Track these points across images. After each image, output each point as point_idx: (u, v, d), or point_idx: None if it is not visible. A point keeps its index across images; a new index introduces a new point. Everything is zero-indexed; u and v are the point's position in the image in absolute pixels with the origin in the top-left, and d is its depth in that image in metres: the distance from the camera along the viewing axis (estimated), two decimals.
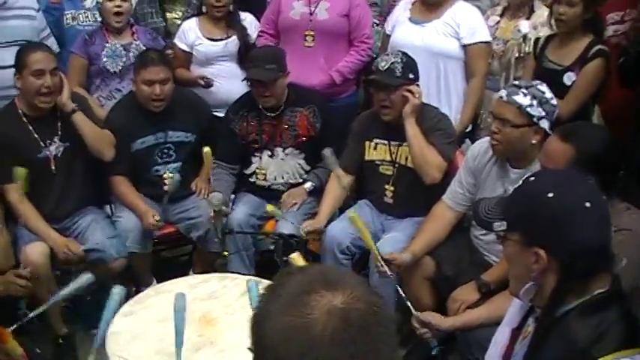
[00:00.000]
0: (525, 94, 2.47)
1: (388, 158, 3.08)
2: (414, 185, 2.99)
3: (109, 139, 3.13)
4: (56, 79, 2.95)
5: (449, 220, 2.83)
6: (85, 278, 2.36)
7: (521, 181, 1.53)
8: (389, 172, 3.09)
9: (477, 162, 2.73)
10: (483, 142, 2.76)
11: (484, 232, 2.64)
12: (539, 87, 2.51)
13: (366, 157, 3.13)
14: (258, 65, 3.19)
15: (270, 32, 3.73)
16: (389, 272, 2.61)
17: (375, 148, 3.11)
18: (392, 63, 2.94)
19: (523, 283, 1.46)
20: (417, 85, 2.98)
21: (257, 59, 3.26)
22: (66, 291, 2.38)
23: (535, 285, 1.45)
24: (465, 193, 2.78)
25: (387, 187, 3.09)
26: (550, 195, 1.41)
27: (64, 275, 3.02)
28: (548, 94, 2.50)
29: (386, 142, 3.08)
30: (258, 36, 3.76)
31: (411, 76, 2.96)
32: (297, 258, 2.45)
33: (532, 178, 1.50)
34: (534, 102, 2.45)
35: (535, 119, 2.46)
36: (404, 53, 3.00)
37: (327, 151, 3.05)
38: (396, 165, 3.06)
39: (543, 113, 2.46)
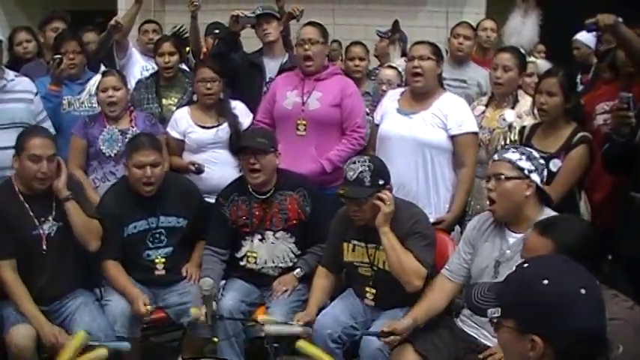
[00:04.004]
0: (514, 152, 2.70)
1: (366, 260, 3.03)
2: (394, 287, 2.91)
3: (97, 231, 3.13)
4: (53, 165, 2.98)
5: (449, 291, 2.83)
6: None
7: (514, 268, 1.54)
8: (368, 274, 3.05)
9: (476, 231, 2.79)
10: (482, 215, 2.86)
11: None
12: (527, 148, 2.78)
13: (345, 259, 3.10)
14: (250, 138, 3.30)
15: (265, 121, 3.81)
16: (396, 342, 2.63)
17: (352, 250, 3.07)
18: (360, 172, 2.88)
19: None
20: (389, 189, 2.94)
21: (249, 134, 3.46)
22: None
23: None
24: (461, 263, 2.81)
25: (367, 289, 3.04)
26: (545, 282, 1.42)
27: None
28: (536, 153, 2.73)
29: (363, 244, 3.03)
30: (254, 125, 3.83)
31: (381, 182, 2.89)
32: (304, 345, 2.46)
33: (526, 265, 1.52)
34: (523, 157, 2.66)
35: (526, 172, 2.63)
36: (371, 159, 2.97)
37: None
38: (375, 268, 3.01)
39: (533, 167, 2.64)
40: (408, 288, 2.85)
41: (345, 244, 3.08)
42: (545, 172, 2.76)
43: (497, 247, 2.70)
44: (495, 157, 2.76)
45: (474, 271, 2.76)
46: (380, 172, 2.92)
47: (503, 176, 2.64)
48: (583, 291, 1.41)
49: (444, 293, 2.83)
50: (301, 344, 2.66)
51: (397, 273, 2.86)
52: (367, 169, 2.89)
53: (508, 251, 2.65)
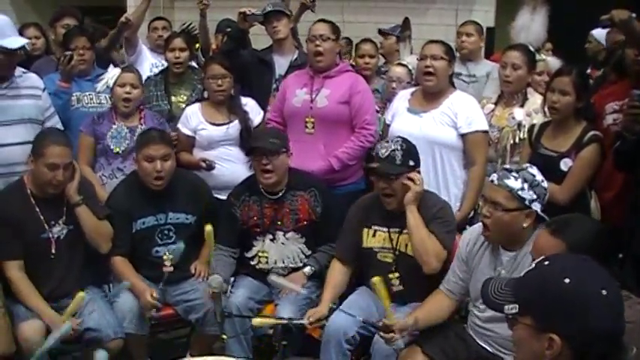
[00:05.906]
0: (516, 178, 2.51)
1: (388, 245, 3.04)
2: (415, 270, 2.94)
3: (108, 233, 3.15)
4: (68, 172, 2.99)
5: (447, 306, 2.82)
6: (65, 329, 2.61)
7: (534, 264, 1.52)
8: (388, 260, 3.05)
9: (469, 249, 2.74)
10: (475, 229, 2.78)
11: (486, 318, 2.64)
12: (530, 170, 2.57)
13: (364, 245, 3.10)
14: (262, 138, 3.29)
15: (277, 120, 3.80)
16: (396, 340, 2.60)
17: (373, 235, 3.08)
18: (392, 150, 2.94)
19: None
20: (418, 171, 2.99)
21: (261, 134, 3.46)
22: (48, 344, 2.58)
23: None
24: (457, 281, 2.78)
25: (391, 275, 3.03)
26: (567, 280, 1.40)
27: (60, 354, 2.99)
28: (539, 177, 2.55)
29: (385, 229, 3.05)
30: (266, 124, 3.83)
31: (412, 163, 2.96)
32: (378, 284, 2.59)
33: (547, 262, 1.50)
34: (525, 185, 2.50)
35: (527, 202, 2.49)
36: (404, 140, 3.01)
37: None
38: (397, 252, 3.03)
39: (535, 196, 2.50)
40: (426, 268, 2.88)
41: (365, 230, 3.09)
42: (547, 196, 2.59)
43: (492, 267, 2.64)
44: (494, 179, 2.55)
45: (472, 292, 2.72)
46: (411, 153, 2.98)
47: (501, 207, 2.50)
48: (604, 291, 1.40)
49: (443, 307, 2.81)
50: (375, 279, 2.66)
51: (418, 252, 2.89)
52: (399, 148, 2.95)
53: (503, 271, 2.60)
